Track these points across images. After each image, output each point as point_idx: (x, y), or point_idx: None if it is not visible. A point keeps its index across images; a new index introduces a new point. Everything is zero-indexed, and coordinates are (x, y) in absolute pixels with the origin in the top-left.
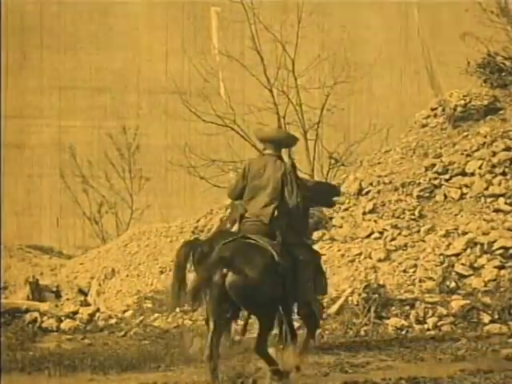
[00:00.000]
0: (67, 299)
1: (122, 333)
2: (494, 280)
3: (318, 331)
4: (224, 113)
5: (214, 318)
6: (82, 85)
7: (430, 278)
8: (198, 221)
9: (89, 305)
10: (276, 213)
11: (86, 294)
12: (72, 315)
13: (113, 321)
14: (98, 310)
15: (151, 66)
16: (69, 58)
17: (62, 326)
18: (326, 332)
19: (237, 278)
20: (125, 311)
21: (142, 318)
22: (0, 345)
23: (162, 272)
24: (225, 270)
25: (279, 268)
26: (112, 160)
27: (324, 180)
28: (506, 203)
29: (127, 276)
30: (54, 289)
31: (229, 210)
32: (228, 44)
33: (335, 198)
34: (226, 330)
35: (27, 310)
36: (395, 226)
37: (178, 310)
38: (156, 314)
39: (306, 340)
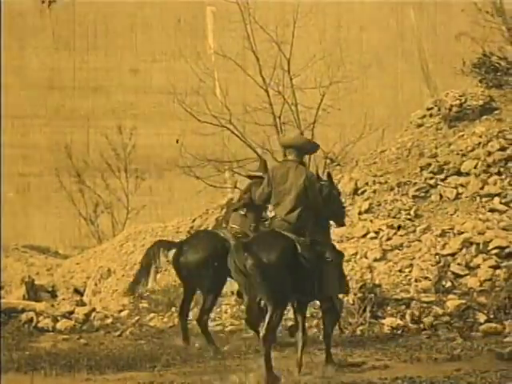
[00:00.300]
0: (63, 299)
1: (118, 332)
2: (490, 280)
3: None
4: (219, 113)
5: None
6: (77, 85)
7: (426, 278)
8: (194, 221)
9: (85, 305)
10: (302, 216)
11: (81, 294)
12: (68, 315)
13: (109, 320)
14: (93, 309)
15: (147, 66)
16: (65, 57)
17: (58, 325)
18: (322, 331)
19: (254, 261)
20: (120, 311)
21: (137, 317)
22: (0, 345)
23: (157, 272)
24: (245, 254)
25: (301, 259)
26: (108, 160)
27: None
28: (501, 203)
29: (123, 276)
30: (50, 289)
31: (224, 210)
32: (224, 44)
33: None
34: None
35: (23, 310)
36: (391, 226)
37: (173, 309)
38: (152, 314)
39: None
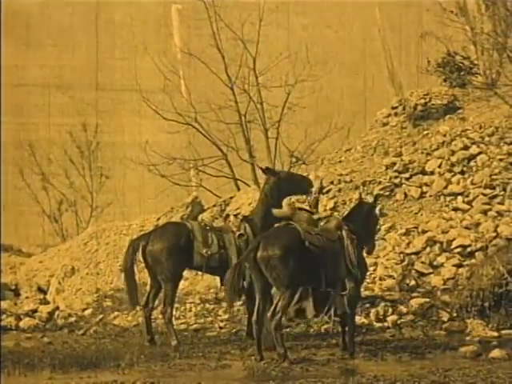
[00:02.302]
0: (26, 297)
1: (82, 331)
2: (453, 278)
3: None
4: (185, 111)
5: (259, 293)
6: (41, 82)
7: (390, 276)
8: (159, 219)
9: (48, 303)
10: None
11: (45, 293)
12: (31, 313)
13: (72, 319)
14: (57, 308)
15: (112, 64)
16: (29, 55)
17: (21, 324)
18: (287, 330)
19: (262, 254)
20: (84, 309)
21: (101, 316)
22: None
23: (121, 270)
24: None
25: (310, 246)
26: (72, 158)
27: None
28: (464, 202)
29: (87, 274)
30: (13, 287)
31: (189, 209)
32: (189, 42)
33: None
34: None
35: None
36: None
37: (137, 307)
38: (116, 313)
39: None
